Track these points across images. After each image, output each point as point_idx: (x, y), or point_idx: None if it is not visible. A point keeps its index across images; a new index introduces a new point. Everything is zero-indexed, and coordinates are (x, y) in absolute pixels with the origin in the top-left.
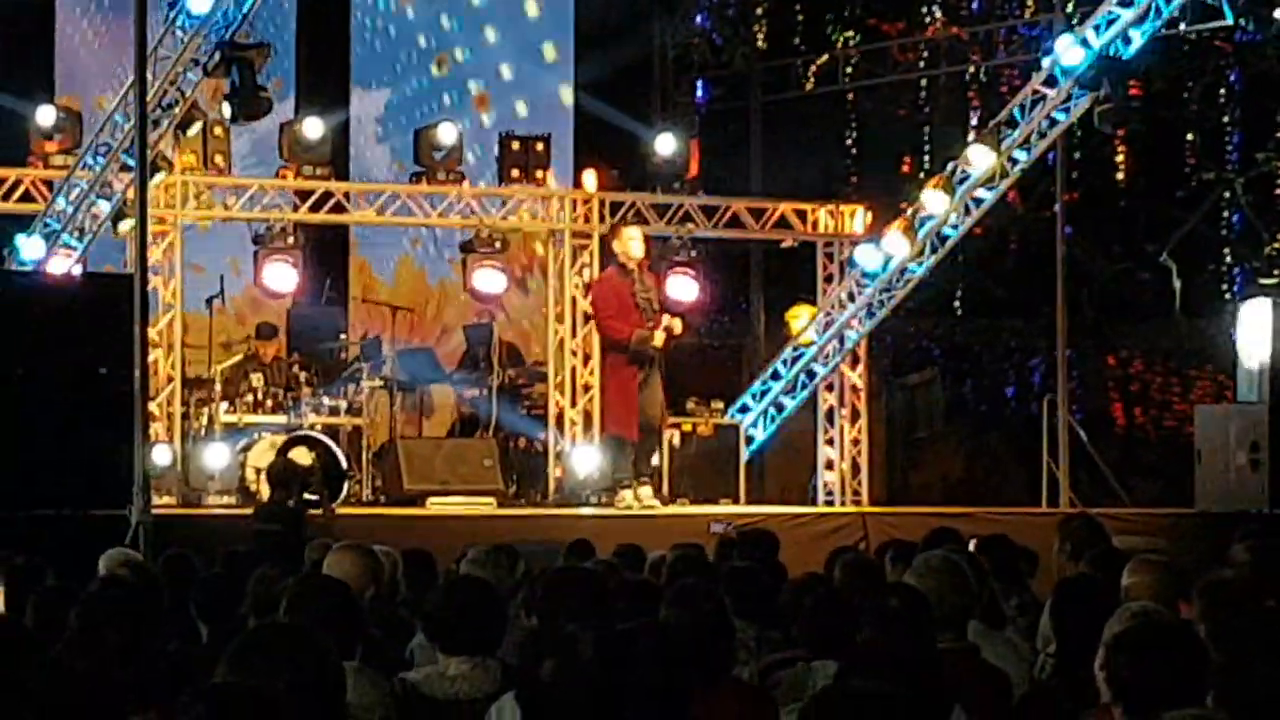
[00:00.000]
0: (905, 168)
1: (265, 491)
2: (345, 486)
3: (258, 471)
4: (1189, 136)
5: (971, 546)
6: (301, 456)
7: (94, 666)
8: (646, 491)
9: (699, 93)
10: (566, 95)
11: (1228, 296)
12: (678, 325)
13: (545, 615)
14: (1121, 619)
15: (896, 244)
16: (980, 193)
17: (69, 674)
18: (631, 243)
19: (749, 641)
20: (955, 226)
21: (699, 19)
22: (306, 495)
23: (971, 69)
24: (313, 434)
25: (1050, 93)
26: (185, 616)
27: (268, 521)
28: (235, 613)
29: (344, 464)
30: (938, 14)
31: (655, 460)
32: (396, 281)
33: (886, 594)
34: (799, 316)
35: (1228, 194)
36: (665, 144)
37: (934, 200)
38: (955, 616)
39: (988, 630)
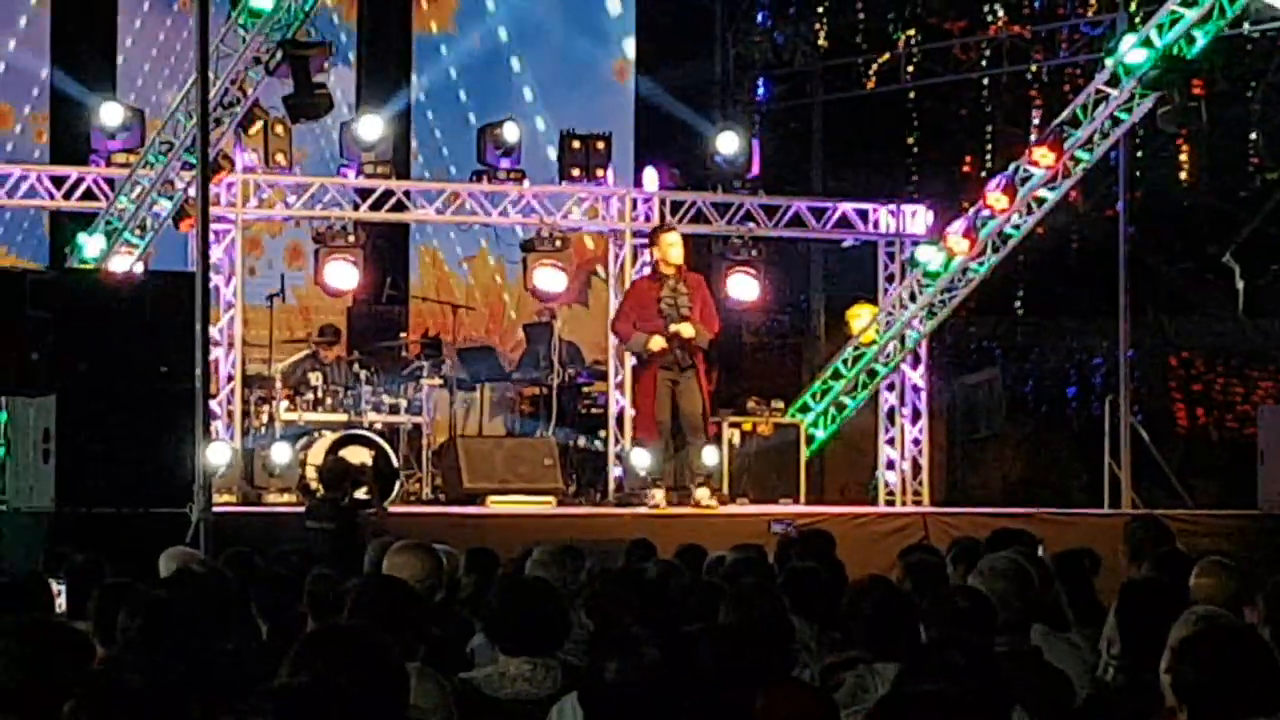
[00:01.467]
0: (966, 167)
1: (322, 488)
2: (397, 485)
3: (317, 470)
4: (1252, 136)
5: (1040, 552)
6: (354, 454)
7: (155, 668)
8: (704, 493)
9: (760, 91)
10: (628, 94)
11: None
12: (686, 330)
13: (606, 616)
14: (1187, 623)
15: (958, 244)
16: (1042, 193)
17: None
18: (671, 249)
19: (809, 642)
20: (1017, 226)
21: (760, 17)
22: (358, 494)
23: (1034, 68)
24: (365, 432)
25: (1113, 92)
26: (246, 614)
27: (319, 520)
28: (295, 611)
29: (396, 462)
30: (1000, 12)
31: (709, 461)
32: (472, 277)
33: (950, 596)
34: (859, 316)
35: None
36: (727, 142)
37: (996, 200)
38: (1018, 619)
39: (1050, 632)
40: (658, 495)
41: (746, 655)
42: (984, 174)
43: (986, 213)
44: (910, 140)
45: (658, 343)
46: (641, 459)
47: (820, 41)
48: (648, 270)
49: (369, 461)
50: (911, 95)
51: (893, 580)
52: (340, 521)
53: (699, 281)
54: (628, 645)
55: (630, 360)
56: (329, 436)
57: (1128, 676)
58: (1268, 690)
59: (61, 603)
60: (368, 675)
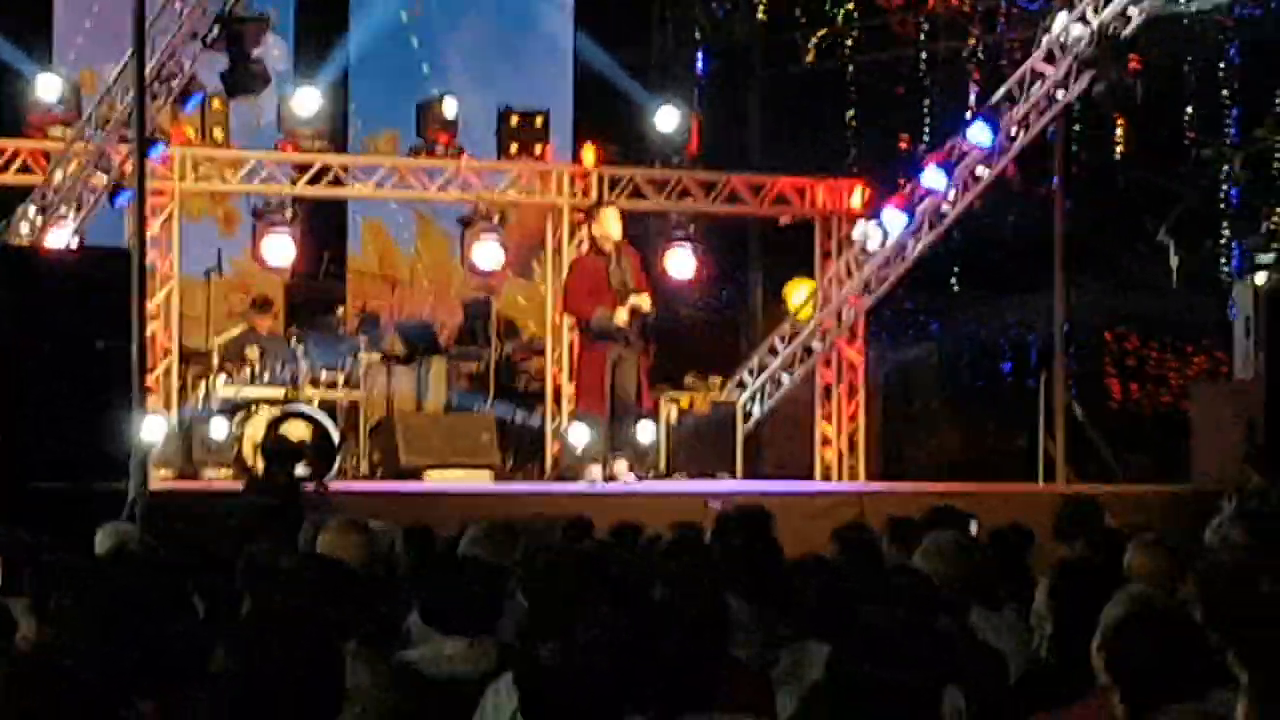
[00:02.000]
0: (903, 143)
1: (260, 466)
2: (338, 460)
3: (255, 445)
4: (1188, 111)
5: (974, 530)
6: (293, 430)
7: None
8: (622, 466)
9: (699, 66)
10: (565, 68)
11: (1225, 272)
12: (645, 303)
13: (540, 596)
14: (1120, 603)
15: (894, 221)
16: (979, 170)
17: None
18: (610, 224)
19: (746, 620)
20: (953, 203)
21: None
22: (299, 469)
23: (971, 43)
24: (305, 408)
25: (1049, 70)
26: (182, 593)
27: (259, 495)
28: (232, 589)
29: (336, 438)
30: None
31: (642, 437)
32: (417, 248)
33: (887, 574)
34: (797, 290)
35: (1226, 169)
36: (666, 118)
37: (933, 177)
38: (958, 599)
39: (985, 611)
40: (595, 470)
41: (682, 636)
42: (922, 150)
43: (923, 189)
44: (849, 116)
45: (622, 316)
46: (580, 434)
47: (759, 15)
48: (584, 247)
49: (308, 437)
50: (850, 70)
51: (828, 558)
52: (280, 498)
53: (636, 256)
54: (563, 628)
55: (569, 335)
56: (268, 412)
57: (1060, 655)
58: (1198, 671)
59: None
60: (303, 659)
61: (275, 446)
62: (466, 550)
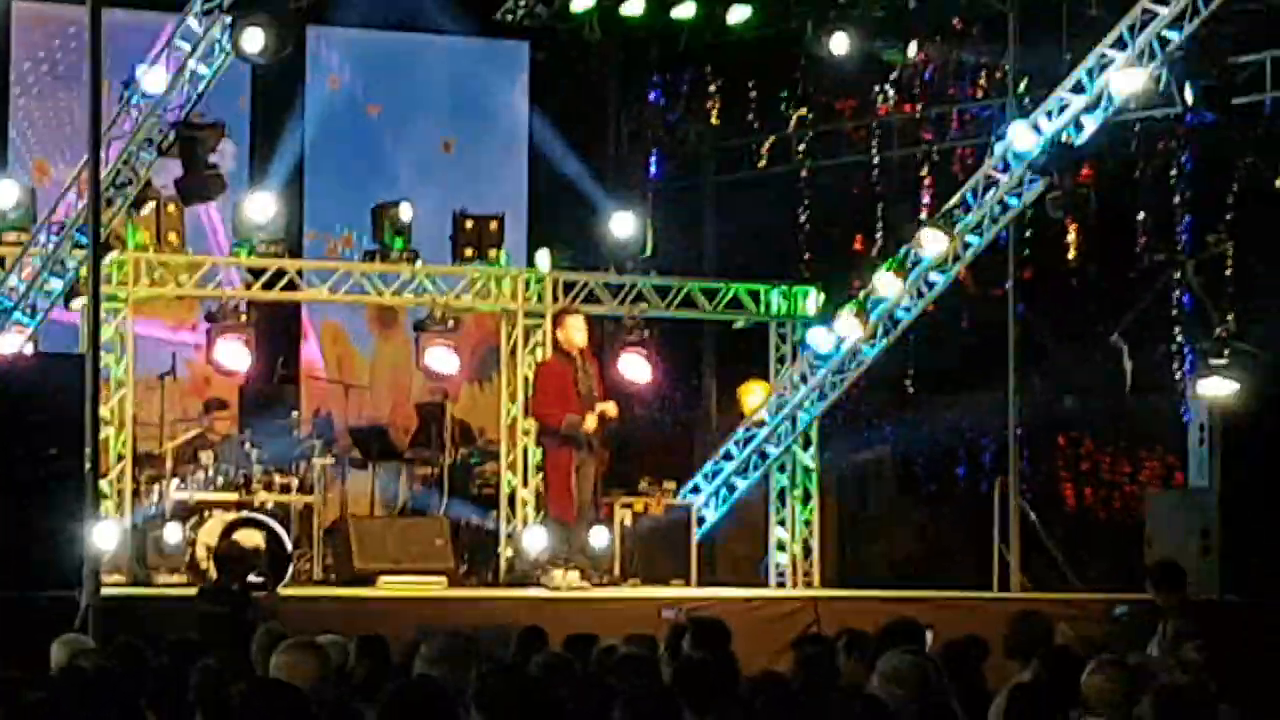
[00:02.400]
0: (858, 245)
1: (213, 572)
2: (291, 568)
3: (208, 550)
4: (1140, 217)
5: (929, 641)
6: (246, 538)
7: None
8: (574, 576)
9: (653, 169)
10: (520, 171)
11: (1177, 377)
12: (611, 409)
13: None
14: None
15: (849, 326)
16: (933, 276)
17: None
18: (575, 332)
19: None
20: (908, 309)
21: (653, 95)
22: (251, 578)
23: (924, 149)
24: (258, 515)
25: (1002, 178)
26: (134, 709)
27: (212, 604)
28: (184, 704)
29: (289, 546)
30: (890, 92)
31: (596, 542)
32: (375, 350)
33: (846, 701)
34: (752, 392)
35: (1178, 275)
36: (621, 224)
37: (886, 283)
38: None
39: None
40: (558, 575)
41: None
42: (875, 254)
43: (877, 295)
44: (802, 219)
45: (591, 423)
46: (537, 539)
47: (713, 119)
48: (548, 352)
49: (262, 545)
50: (804, 174)
51: (785, 674)
52: (233, 606)
53: (596, 362)
54: None
55: (523, 439)
56: (221, 518)
57: None
58: None
59: None
60: None
61: (227, 554)
62: (421, 668)
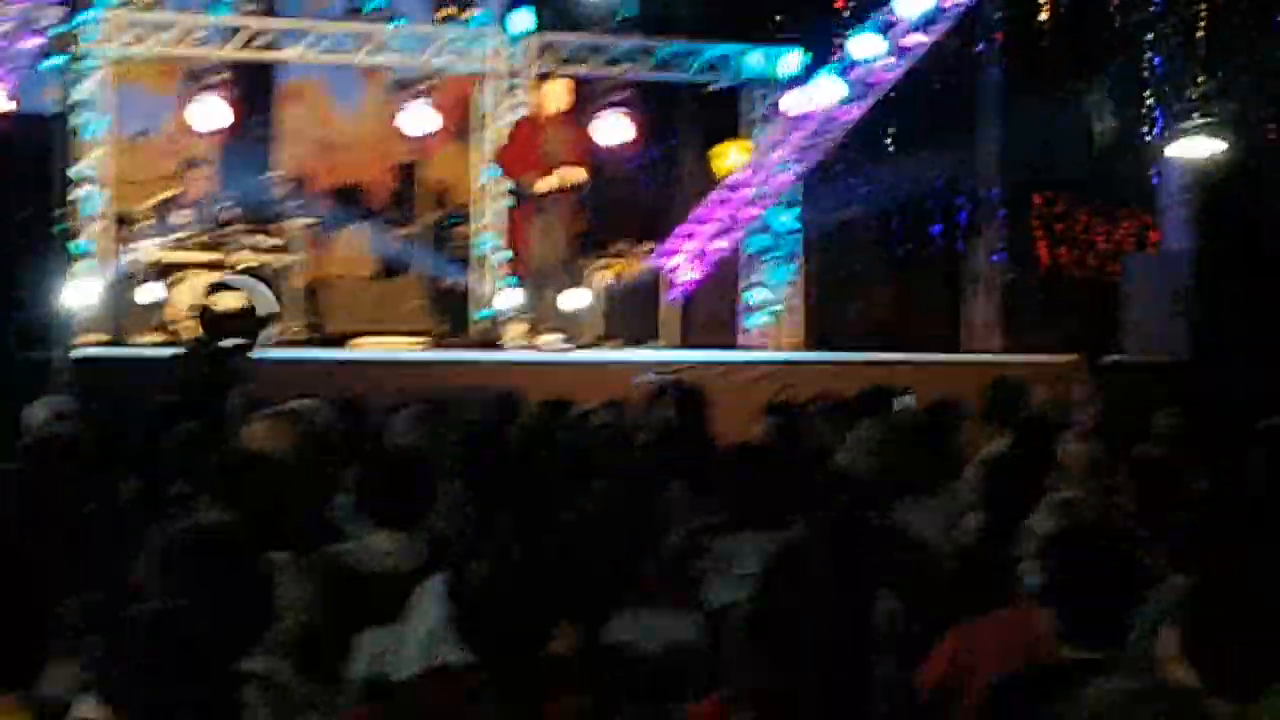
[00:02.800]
0: (839, 3)
1: (193, 332)
2: (273, 330)
3: (186, 310)
4: None
5: (911, 403)
6: (227, 300)
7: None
8: (551, 338)
9: None
10: None
11: (1149, 138)
12: (574, 174)
13: (475, 494)
14: (1049, 513)
15: (827, 89)
16: (914, 36)
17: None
18: (550, 99)
19: (676, 505)
20: (887, 71)
21: None
22: (233, 340)
23: None
24: (238, 277)
25: None
26: (113, 470)
27: (192, 365)
28: (164, 466)
29: (271, 307)
30: None
31: (576, 304)
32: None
33: (818, 477)
34: (724, 154)
35: (1153, 35)
36: None
37: (866, 44)
38: (885, 494)
39: (914, 499)
40: (514, 331)
41: (616, 546)
42: (856, 6)
43: (857, 57)
44: None
45: (542, 184)
46: (513, 298)
47: None
48: (524, 111)
49: (243, 306)
50: None
51: (760, 445)
52: (213, 368)
53: (579, 130)
54: (495, 543)
55: (493, 203)
56: (201, 278)
57: (989, 549)
58: (1129, 581)
59: None
60: (231, 581)
61: (207, 317)
62: (399, 437)
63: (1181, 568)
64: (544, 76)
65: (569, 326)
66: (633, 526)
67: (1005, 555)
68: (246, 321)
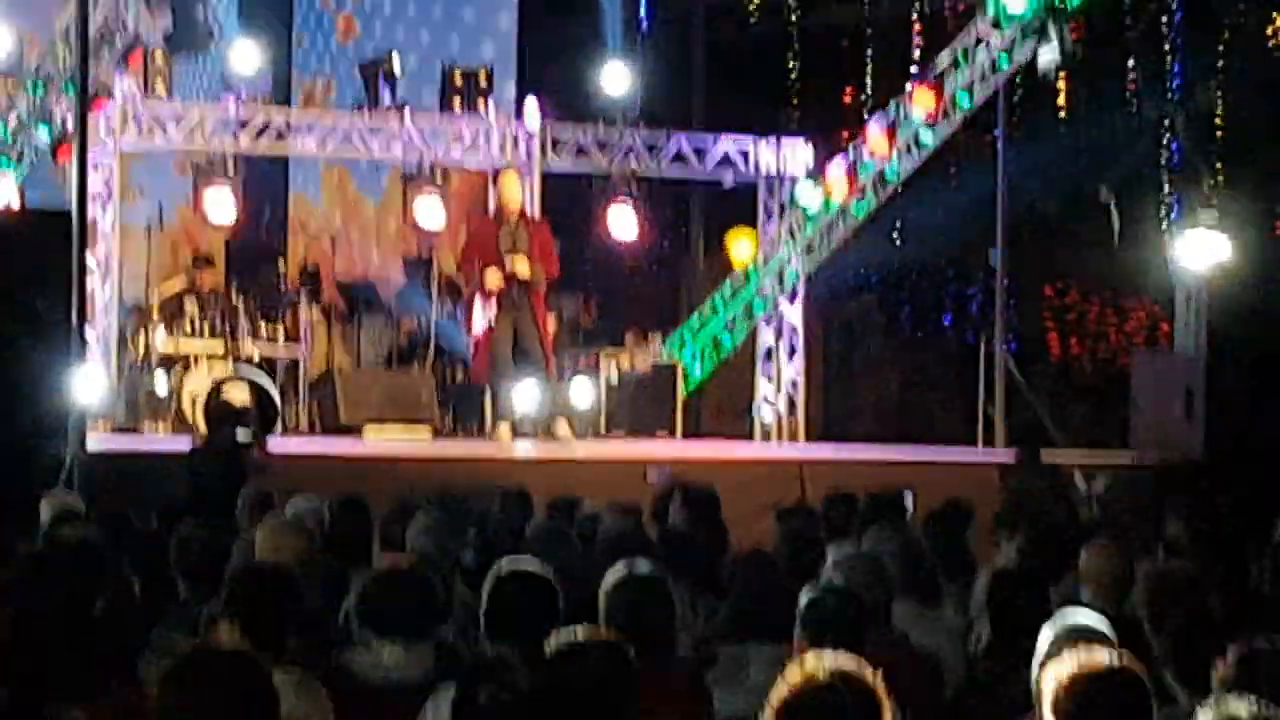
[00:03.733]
0: (847, 98)
1: (200, 422)
2: (280, 424)
3: (193, 399)
4: (1130, 69)
5: (910, 502)
6: (236, 394)
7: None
8: (563, 426)
9: (642, 15)
10: (506, 20)
11: (1164, 228)
12: (521, 266)
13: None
14: (1058, 633)
15: (838, 185)
16: (923, 135)
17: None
18: (508, 189)
19: (684, 607)
20: (897, 167)
21: None
22: (240, 434)
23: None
24: (247, 370)
25: (993, 38)
26: (118, 573)
27: (201, 462)
28: (168, 569)
29: (278, 401)
30: None
31: (580, 395)
32: (328, 203)
33: (821, 594)
34: (739, 241)
35: (1168, 127)
36: (613, 77)
37: (876, 141)
38: (878, 610)
39: (921, 609)
40: (501, 428)
41: (630, 667)
42: (865, 103)
43: (867, 154)
44: (791, 69)
45: (494, 278)
46: (525, 393)
47: None
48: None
49: (250, 400)
50: (794, 20)
51: (770, 553)
52: (223, 464)
53: (541, 225)
54: (500, 670)
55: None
56: (209, 368)
57: (998, 667)
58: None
59: None
60: (239, 701)
61: (217, 411)
62: (414, 537)
63: (1194, 688)
64: (499, 171)
65: (577, 418)
66: (642, 637)
67: (1014, 671)
68: (254, 416)
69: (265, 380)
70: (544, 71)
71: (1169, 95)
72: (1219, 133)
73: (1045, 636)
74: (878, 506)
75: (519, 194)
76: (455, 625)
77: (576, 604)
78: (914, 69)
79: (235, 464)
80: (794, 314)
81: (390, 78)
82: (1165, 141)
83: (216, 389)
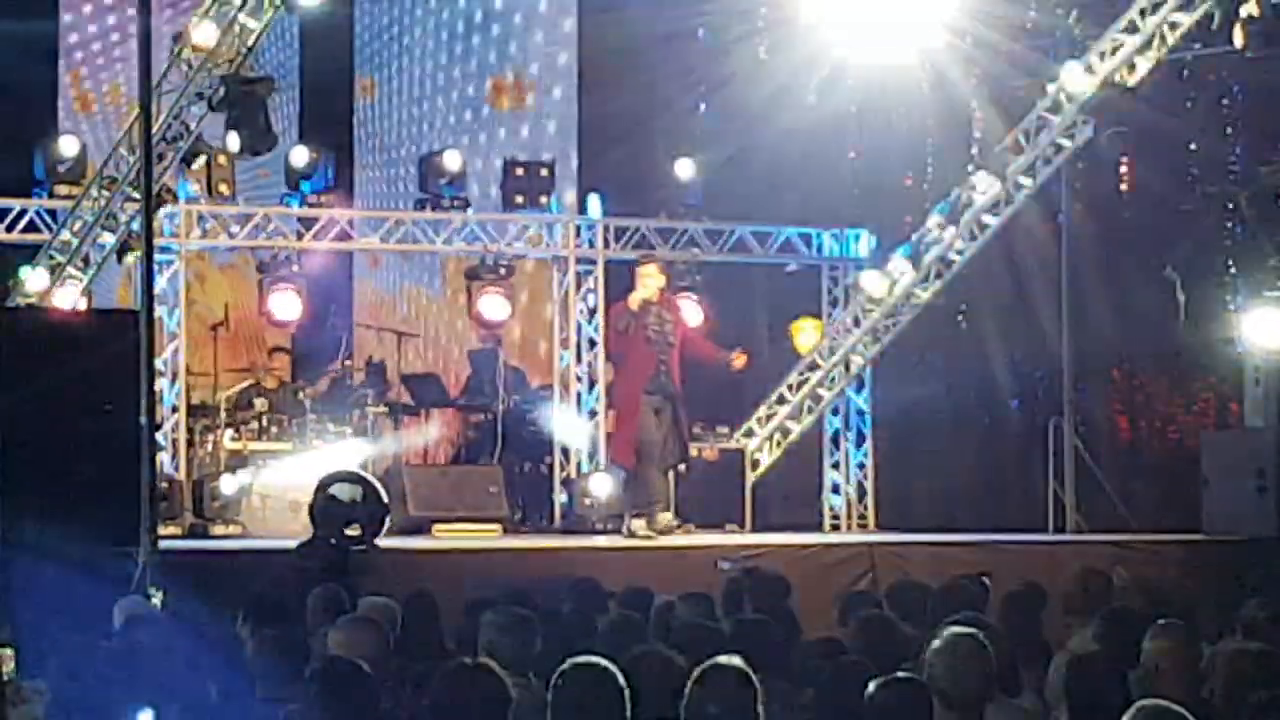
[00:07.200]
0: (908, 183)
1: (268, 520)
2: (387, 521)
3: (263, 499)
4: (1192, 147)
5: (987, 585)
6: (343, 492)
7: None
8: (666, 516)
9: (702, 109)
10: (571, 116)
11: (1231, 308)
12: (739, 361)
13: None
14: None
15: (901, 270)
16: (985, 218)
17: None
18: (647, 279)
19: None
20: (960, 252)
21: (700, 32)
22: (349, 531)
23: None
24: (354, 470)
25: (1055, 119)
26: (195, 678)
27: (310, 559)
28: (243, 674)
29: (385, 498)
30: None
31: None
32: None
33: (889, 685)
34: (803, 330)
35: (1231, 206)
36: (683, 170)
37: (938, 227)
38: (973, 699)
39: (1002, 698)
40: (638, 525)
41: None
42: (926, 189)
43: (930, 238)
44: (853, 157)
45: (740, 361)
46: (602, 485)
47: (760, 55)
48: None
49: (359, 499)
50: (853, 110)
51: (843, 641)
52: (330, 560)
53: (679, 306)
54: None
55: (576, 385)
56: (277, 465)
57: None
58: None
59: (10, 665)
60: None
61: (325, 509)
62: (485, 635)
63: None
64: (637, 263)
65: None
66: None
67: None
68: (363, 514)
69: (373, 479)
70: (605, 162)
71: (1232, 176)
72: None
73: None
74: (955, 592)
75: (655, 283)
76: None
77: (656, 695)
78: (974, 152)
79: (343, 560)
80: (861, 400)
81: (445, 174)
82: (1229, 222)
83: (323, 486)
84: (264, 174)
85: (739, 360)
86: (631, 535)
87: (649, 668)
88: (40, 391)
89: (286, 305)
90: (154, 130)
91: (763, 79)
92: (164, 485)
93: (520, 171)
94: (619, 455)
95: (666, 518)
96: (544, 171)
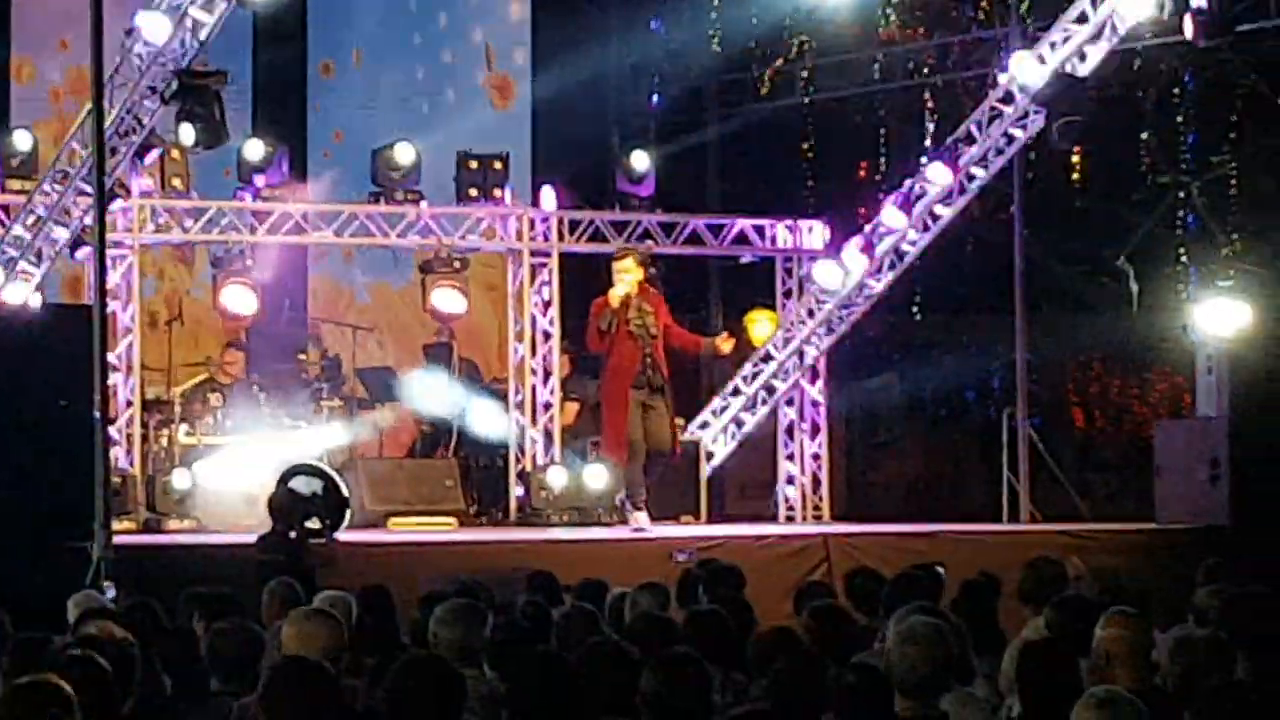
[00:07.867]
0: (862, 174)
1: (222, 514)
2: (348, 515)
3: (217, 494)
4: (1143, 137)
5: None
6: (303, 485)
7: None
8: (643, 516)
9: (655, 101)
10: (524, 107)
11: (1184, 297)
12: (727, 346)
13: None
14: (1091, 705)
15: (855, 261)
16: (938, 209)
17: None
18: (624, 275)
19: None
20: (913, 243)
21: (654, 24)
22: (309, 524)
23: (926, 73)
24: (314, 463)
25: (1007, 110)
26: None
27: (269, 552)
28: (198, 667)
29: (345, 492)
30: (892, 17)
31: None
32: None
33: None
34: (757, 321)
35: (1183, 195)
36: (638, 162)
37: (891, 217)
38: (930, 686)
39: (957, 687)
40: (641, 517)
41: None
42: (879, 180)
43: (883, 229)
44: (806, 149)
45: (728, 346)
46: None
47: (714, 46)
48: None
49: (319, 492)
50: (807, 101)
51: (797, 633)
52: (290, 554)
53: (659, 298)
54: None
55: (531, 378)
56: (232, 457)
57: None
58: None
59: None
60: None
61: (284, 502)
62: (434, 629)
63: None
64: (611, 259)
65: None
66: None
67: None
68: (322, 507)
69: (333, 473)
70: (558, 154)
71: (1183, 166)
72: (1234, 199)
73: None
74: (910, 582)
75: (632, 278)
76: (480, 715)
77: (610, 686)
78: (928, 143)
79: (301, 554)
80: (815, 391)
81: (397, 168)
82: (1181, 212)
83: (284, 479)
84: (229, 172)
85: (727, 344)
86: (640, 530)
87: (603, 659)
88: None
89: (240, 299)
90: (106, 124)
91: (716, 70)
92: (118, 480)
93: (474, 164)
94: (610, 450)
95: (641, 517)
96: (497, 164)
